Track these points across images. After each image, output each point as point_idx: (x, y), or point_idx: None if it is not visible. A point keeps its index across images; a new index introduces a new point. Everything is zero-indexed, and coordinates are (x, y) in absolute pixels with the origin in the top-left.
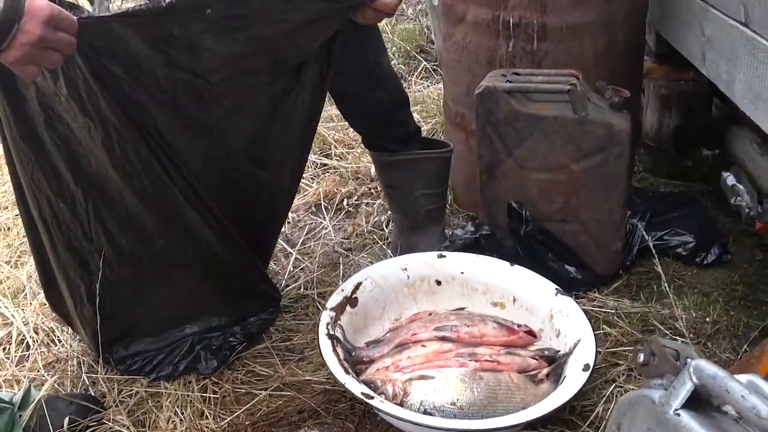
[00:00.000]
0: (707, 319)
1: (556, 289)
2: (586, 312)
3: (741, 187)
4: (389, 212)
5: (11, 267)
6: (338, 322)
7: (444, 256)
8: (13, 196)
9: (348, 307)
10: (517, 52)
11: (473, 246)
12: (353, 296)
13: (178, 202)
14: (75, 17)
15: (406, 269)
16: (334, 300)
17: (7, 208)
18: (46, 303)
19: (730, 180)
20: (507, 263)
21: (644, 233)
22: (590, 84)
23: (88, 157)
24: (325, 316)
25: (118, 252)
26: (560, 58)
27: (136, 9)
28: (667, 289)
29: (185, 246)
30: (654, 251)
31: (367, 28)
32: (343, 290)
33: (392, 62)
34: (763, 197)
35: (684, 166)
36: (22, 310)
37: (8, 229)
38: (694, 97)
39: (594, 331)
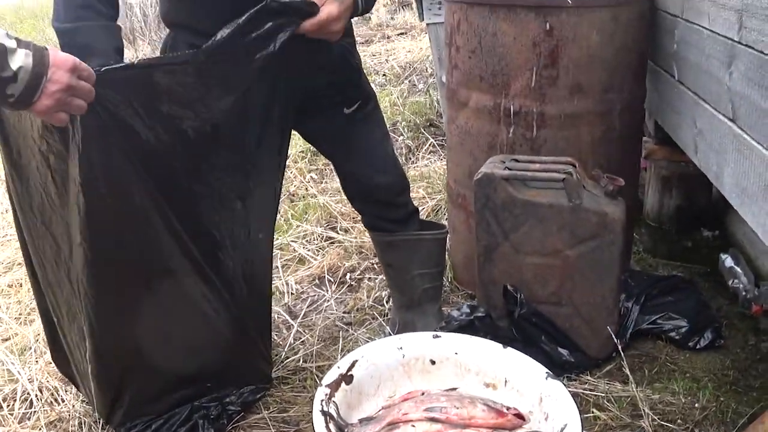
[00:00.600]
0: (696, 405)
1: (546, 372)
2: (576, 395)
3: (738, 269)
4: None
5: (20, 324)
6: (333, 398)
7: (439, 337)
8: None
9: (343, 384)
10: (517, 139)
11: (468, 327)
12: (349, 373)
13: (177, 269)
14: (92, 68)
15: (401, 348)
16: (330, 377)
17: (20, 264)
18: (52, 362)
19: (728, 262)
20: (500, 345)
21: (638, 317)
22: (587, 171)
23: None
24: (320, 393)
25: (113, 318)
26: (559, 144)
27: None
28: (658, 373)
29: (184, 315)
30: (647, 335)
31: (375, 116)
32: (339, 367)
33: (401, 137)
34: (760, 280)
35: (683, 246)
36: (29, 368)
37: (20, 285)
38: (694, 178)
39: (583, 414)
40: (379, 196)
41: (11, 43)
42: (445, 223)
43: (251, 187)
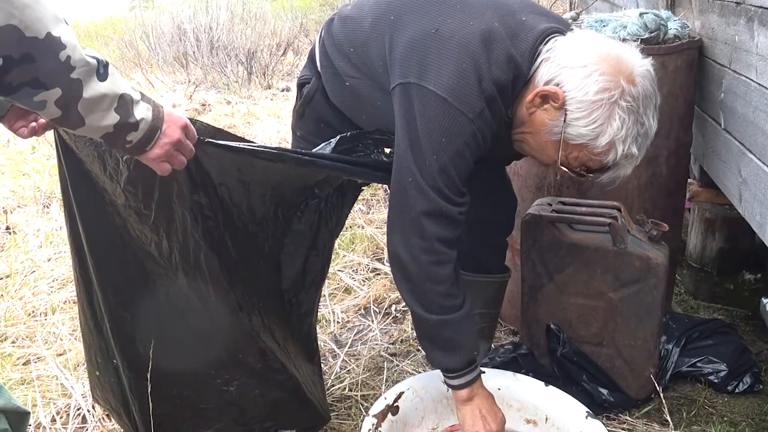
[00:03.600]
0: None
1: (586, 411)
2: None
3: None
4: None
5: (75, 339)
6: (379, 428)
7: (483, 372)
8: None
9: (389, 415)
10: (564, 181)
11: (511, 364)
12: (395, 404)
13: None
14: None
15: (445, 382)
16: (377, 407)
17: (73, 280)
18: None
19: None
20: (542, 383)
21: (678, 359)
22: (632, 215)
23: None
24: (367, 422)
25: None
26: (605, 188)
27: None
28: (696, 416)
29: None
30: (686, 377)
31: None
32: (386, 398)
33: None
34: None
35: (725, 289)
36: (82, 383)
37: (74, 302)
38: (737, 221)
39: None
40: (488, 238)
41: (136, 95)
42: None
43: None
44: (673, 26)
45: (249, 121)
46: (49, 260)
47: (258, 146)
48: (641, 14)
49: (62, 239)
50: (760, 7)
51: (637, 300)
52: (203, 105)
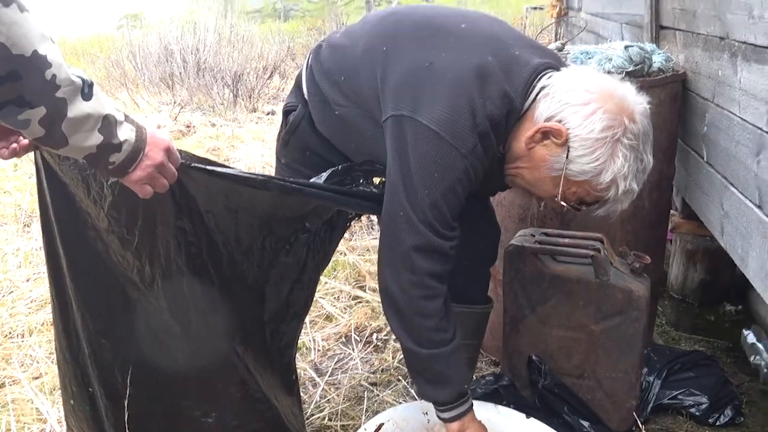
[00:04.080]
0: None
1: None
2: None
3: (760, 345)
4: None
5: (51, 362)
6: None
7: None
8: None
9: None
10: (548, 212)
11: (493, 395)
12: None
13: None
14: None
15: (427, 414)
16: None
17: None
18: None
19: (750, 338)
20: (523, 415)
21: (659, 391)
22: (615, 247)
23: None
24: None
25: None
26: (588, 219)
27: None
28: None
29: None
30: (668, 410)
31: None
32: (365, 429)
33: None
34: None
35: (706, 320)
36: (57, 408)
37: (52, 324)
38: (718, 253)
39: None
40: (471, 261)
41: (120, 116)
42: None
43: (295, 288)
44: (658, 59)
45: (233, 144)
46: (27, 280)
47: (244, 173)
48: (626, 47)
49: (41, 259)
50: (744, 42)
51: (619, 332)
52: (188, 126)
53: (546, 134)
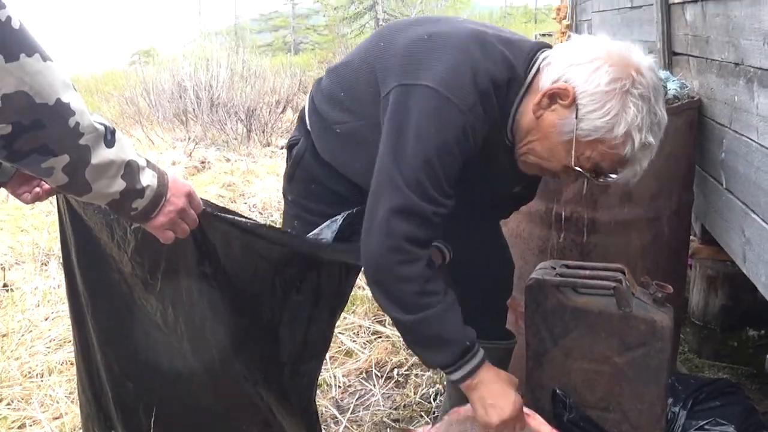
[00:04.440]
0: None
1: None
2: None
3: None
4: (437, 386)
5: (71, 402)
6: None
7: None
8: None
9: None
10: (568, 243)
11: None
12: None
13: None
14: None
15: None
16: None
17: (70, 341)
18: None
19: None
20: None
21: (685, 422)
22: (636, 277)
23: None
24: None
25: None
26: (608, 250)
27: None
28: None
29: None
30: None
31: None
32: None
33: None
34: None
35: (729, 346)
36: None
37: (71, 364)
38: (739, 277)
39: None
40: (487, 293)
41: (142, 162)
42: None
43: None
44: (672, 86)
45: (248, 179)
46: (46, 319)
47: (261, 226)
48: None
49: (60, 298)
50: (759, 68)
51: (644, 364)
52: (203, 162)
53: (553, 97)
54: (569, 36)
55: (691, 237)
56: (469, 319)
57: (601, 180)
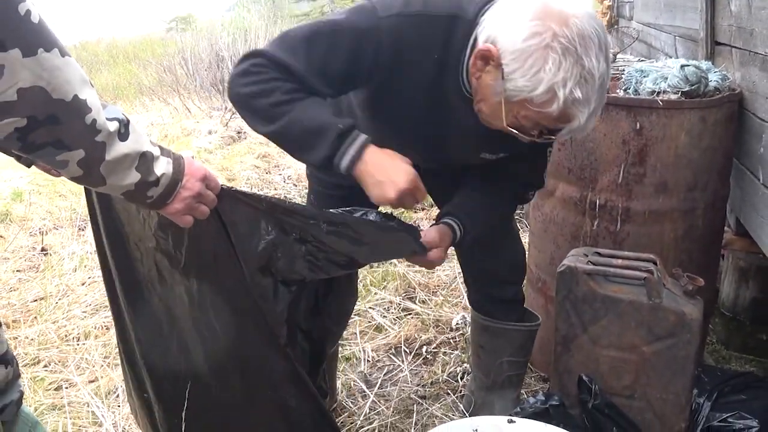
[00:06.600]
0: None
1: None
2: None
3: None
4: (465, 365)
5: (107, 366)
6: None
7: (514, 422)
8: None
9: None
10: (601, 231)
11: (542, 414)
12: None
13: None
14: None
15: (476, 430)
16: None
17: (106, 306)
18: None
19: None
20: None
21: (709, 413)
22: (667, 267)
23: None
24: None
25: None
26: (641, 240)
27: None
28: None
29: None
30: None
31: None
32: None
33: None
34: None
35: (758, 339)
36: (113, 412)
37: (107, 328)
38: None
39: None
40: (501, 276)
41: (156, 151)
42: None
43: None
44: (714, 78)
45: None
46: (83, 284)
47: (285, 203)
48: (682, 66)
49: (96, 264)
50: None
51: (671, 354)
52: (239, 132)
53: (484, 59)
54: (609, 17)
55: (725, 228)
56: (484, 301)
57: (545, 138)
